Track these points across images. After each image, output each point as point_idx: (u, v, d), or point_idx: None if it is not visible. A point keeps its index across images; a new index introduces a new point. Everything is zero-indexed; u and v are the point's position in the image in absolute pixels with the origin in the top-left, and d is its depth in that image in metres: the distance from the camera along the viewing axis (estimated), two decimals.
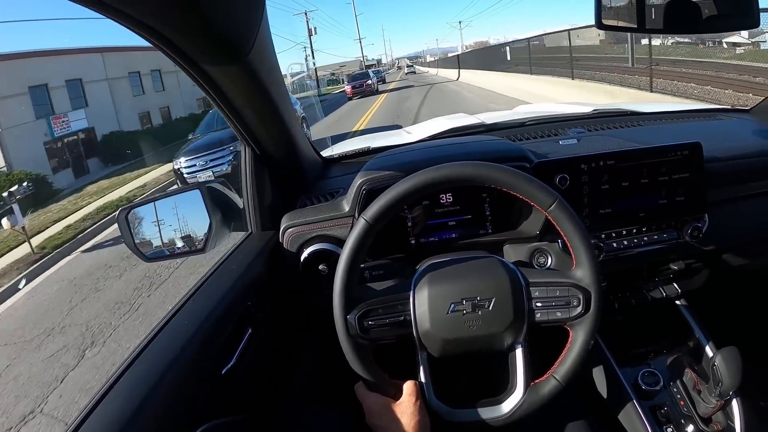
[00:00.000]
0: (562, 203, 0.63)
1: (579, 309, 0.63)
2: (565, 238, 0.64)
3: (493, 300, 0.63)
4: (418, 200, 0.82)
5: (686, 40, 8.13)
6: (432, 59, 66.12)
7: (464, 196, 0.83)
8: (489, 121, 1.25)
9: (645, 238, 0.87)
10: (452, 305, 0.63)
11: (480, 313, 0.63)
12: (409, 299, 0.65)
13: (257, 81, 0.67)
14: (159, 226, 0.88)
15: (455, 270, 0.67)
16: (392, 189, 0.64)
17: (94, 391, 0.53)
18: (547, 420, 0.79)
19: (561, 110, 1.33)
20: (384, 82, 28.38)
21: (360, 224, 0.63)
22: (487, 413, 0.66)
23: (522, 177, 0.64)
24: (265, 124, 0.77)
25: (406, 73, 47.16)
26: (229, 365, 0.67)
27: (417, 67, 58.66)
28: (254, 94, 0.69)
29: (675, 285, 0.96)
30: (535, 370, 0.67)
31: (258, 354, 0.74)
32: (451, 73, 24.64)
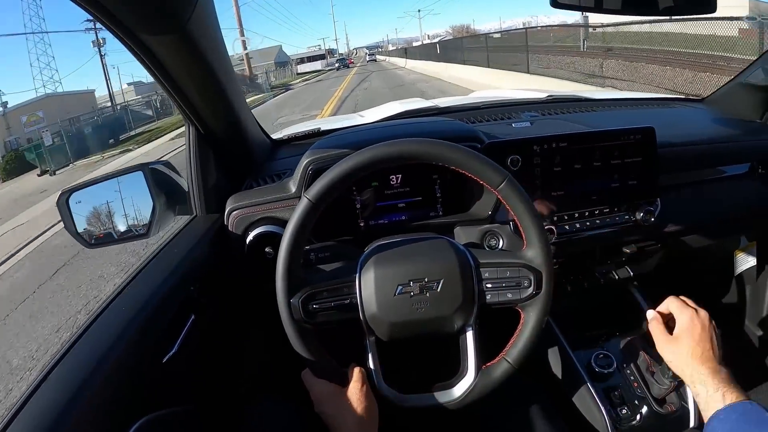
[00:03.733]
0: (512, 182, 0.62)
1: (530, 290, 0.63)
2: (515, 218, 0.63)
3: (442, 281, 0.62)
4: (366, 180, 0.80)
5: None
6: (393, 48, 62.20)
7: (414, 177, 0.81)
8: (443, 105, 1.24)
9: (597, 221, 0.87)
10: (399, 287, 0.62)
11: (428, 295, 0.62)
12: (355, 282, 0.63)
13: (198, 53, 0.63)
14: (101, 209, 0.84)
15: (403, 251, 0.66)
16: (336, 166, 0.61)
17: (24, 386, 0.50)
18: (502, 402, 0.79)
19: (515, 95, 1.33)
20: None
21: (303, 203, 0.61)
22: (438, 398, 0.65)
23: (472, 155, 0.62)
24: (208, 101, 0.73)
25: (368, 61, 46.98)
26: (171, 353, 0.64)
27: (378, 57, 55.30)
28: (195, 67, 0.66)
29: (627, 268, 0.97)
30: (487, 353, 0.66)
31: (202, 341, 0.71)
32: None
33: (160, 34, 0.57)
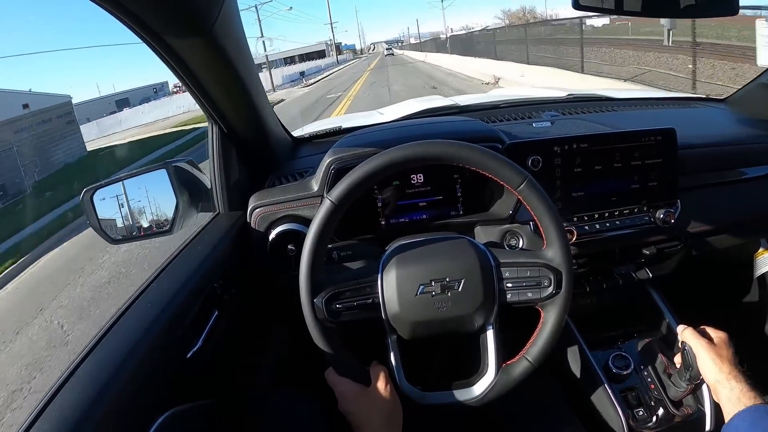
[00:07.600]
0: (532, 182, 0.62)
1: (550, 289, 0.63)
2: (535, 218, 0.64)
3: (463, 281, 0.63)
4: (387, 180, 0.80)
5: None
6: (414, 42, 61.20)
7: (436, 176, 0.81)
8: (462, 103, 1.24)
9: (617, 222, 0.87)
10: (421, 287, 0.63)
11: (449, 294, 0.63)
12: (377, 281, 0.64)
13: (223, 55, 0.64)
14: (125, 206, 0.86)
15: (424, 251, 0.66)
16: (358, 168, 0.62)
17: (54, 379, 0.51)
18: (520, 401, 0.80)
19: (535, 94, 1.33)
20: None
21: (325, 205, 0.62)
22: (458, 395, 0.66)
23: (492, 156, 0.63)
24: (232, 100, 0.74)
25: (386, 55, 51.45)
26: (195, 348, 0.65)
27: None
28: (220, 69, 0.67)
29: (646, 269, 0.97)
30: (507, 352, 0.66)
31: (225, 337, 0.72)
32: None
33: (186, 38, 0.58)
